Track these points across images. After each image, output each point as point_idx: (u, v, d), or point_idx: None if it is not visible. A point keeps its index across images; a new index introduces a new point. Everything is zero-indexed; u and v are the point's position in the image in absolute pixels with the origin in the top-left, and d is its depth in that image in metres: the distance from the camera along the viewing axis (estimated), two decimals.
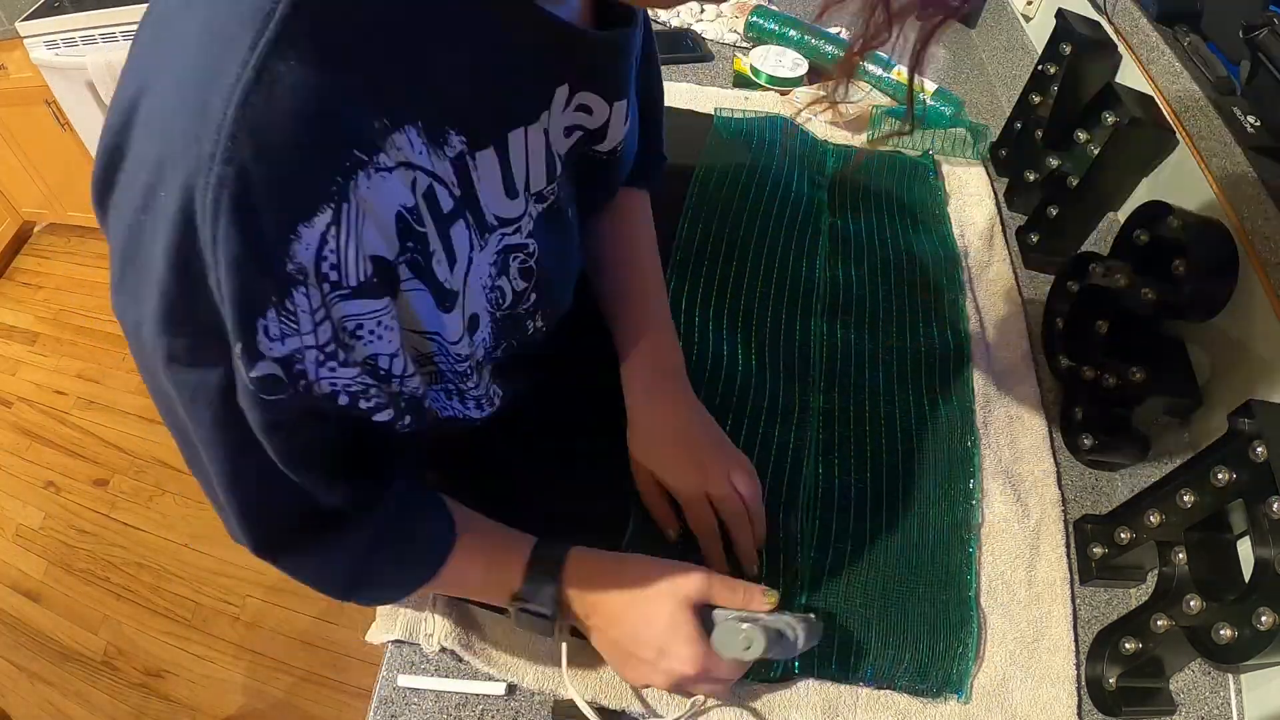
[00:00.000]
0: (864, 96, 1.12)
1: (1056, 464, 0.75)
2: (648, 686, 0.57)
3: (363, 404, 0.37)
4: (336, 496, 0.41)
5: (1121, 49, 0.92)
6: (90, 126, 2.06)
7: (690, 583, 0.52)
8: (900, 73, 1.12)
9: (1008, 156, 1.06)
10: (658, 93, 0.71)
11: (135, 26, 0.33)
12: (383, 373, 0.37)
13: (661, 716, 0.57)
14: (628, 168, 0.57)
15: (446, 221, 0.36)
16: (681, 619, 0.51)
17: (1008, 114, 1.06)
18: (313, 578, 0.47)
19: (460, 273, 0.39)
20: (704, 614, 0.53)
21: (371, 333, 0.35)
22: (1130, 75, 0.91)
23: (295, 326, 0.31)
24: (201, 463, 0.39)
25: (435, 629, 0.59)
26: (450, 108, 0.35)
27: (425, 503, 0.51)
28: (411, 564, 0.50)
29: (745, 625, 0.50)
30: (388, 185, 0.32)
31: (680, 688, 0.53)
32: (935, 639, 0.62)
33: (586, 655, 0.59)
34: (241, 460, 0.37)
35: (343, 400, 0.36)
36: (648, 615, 0.51)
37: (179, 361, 0.33)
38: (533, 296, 0.46)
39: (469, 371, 0.44)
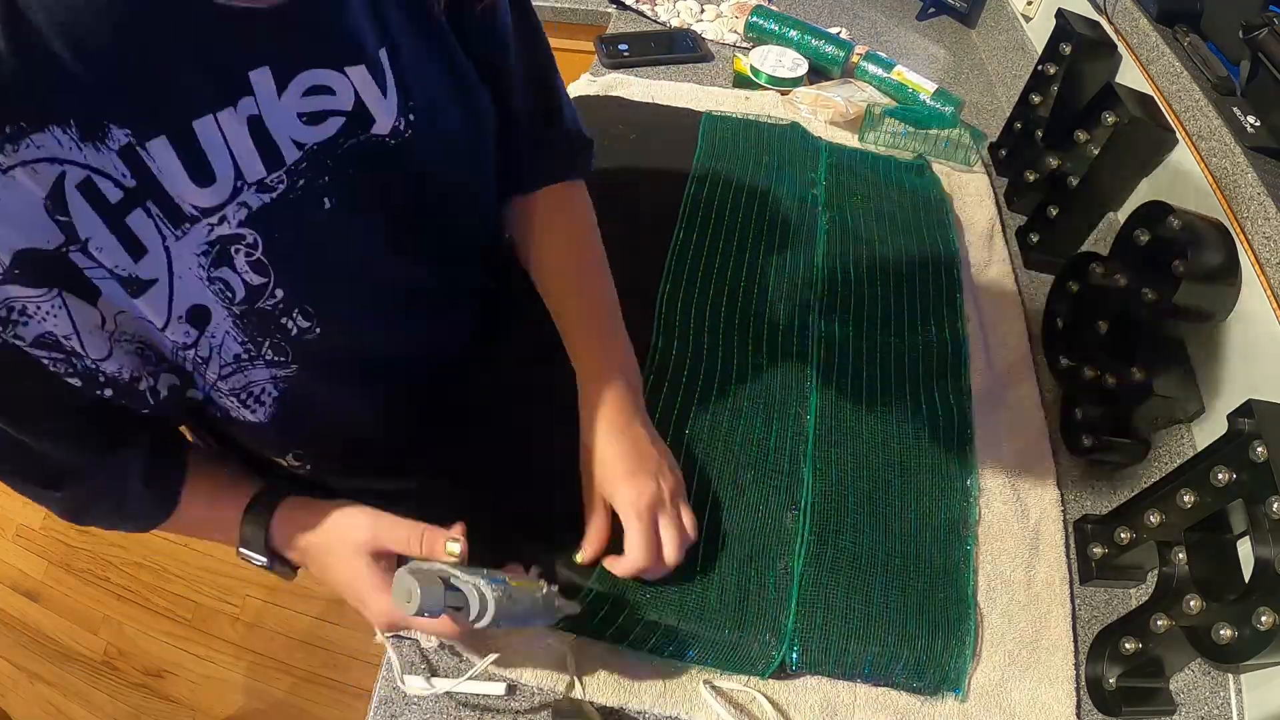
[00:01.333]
0: (864, 96, 1.12)
1: (1056, 464, 0.75)
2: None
3: (51, 368, 0.40)
4: (57, 453, 0.46)
5: (1121, 49, 0.92)
6: None
7: (357, 530, 0.52)
8: (900, 73, 1.12)
9: (1008, 156, 1.06)
10: (540, 57, 0.63)
11: None
12: (66, 349, 0.40)
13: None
14: (457, 153, 0.54)
15: (118, 211, 0.38)
16: (361, 568, 0.51)
17: (1008, 114, 1.06)
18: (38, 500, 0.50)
19: (158, 261, 0.40)
20: (402, 561, 0.51)
21: (36, 314, 0.38)
22: (1130, 75, 0.91)
23: None
24: None
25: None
26: (106, 102, 0.36)
27: (157, 465, 0.53)
28: (130, 518, 0.53)
29: (407, 575, 0.45)
30: (10, 185, 0.35)
31: (398, 630, 0.56)
32: (933, 636, 0.62)
33: (587, 655, 0.59)
34: None
35: (41, 360, 0.40)
36: (335, 565, 0.53)
37: None
38: (279, 293, 0.45)
39: (200, 362, 0.45)
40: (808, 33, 1.17)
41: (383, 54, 0.47)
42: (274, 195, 0.43)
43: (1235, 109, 0.76)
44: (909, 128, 1.06)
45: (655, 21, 1.25)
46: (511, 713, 0.58)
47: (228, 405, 0.49)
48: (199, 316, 0.43)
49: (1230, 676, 0.63)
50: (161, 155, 0.39)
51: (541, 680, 0.58)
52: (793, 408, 0.75)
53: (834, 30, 1.23)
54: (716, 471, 0.69)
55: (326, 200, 0.46)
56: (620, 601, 0.60)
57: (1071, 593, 0.68)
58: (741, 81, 1.15)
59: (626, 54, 1.15)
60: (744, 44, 1.22)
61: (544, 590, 0.52)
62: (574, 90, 1.09)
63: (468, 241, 0.62)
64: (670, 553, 0.57)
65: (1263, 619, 0.51)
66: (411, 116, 0.49)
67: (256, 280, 0.44)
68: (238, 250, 0.43)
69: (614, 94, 1.07)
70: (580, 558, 0.60)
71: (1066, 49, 0.93)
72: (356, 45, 0.45)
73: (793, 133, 1.03)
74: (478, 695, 0.58)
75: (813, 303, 0.84)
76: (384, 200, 0.50)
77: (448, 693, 0.58)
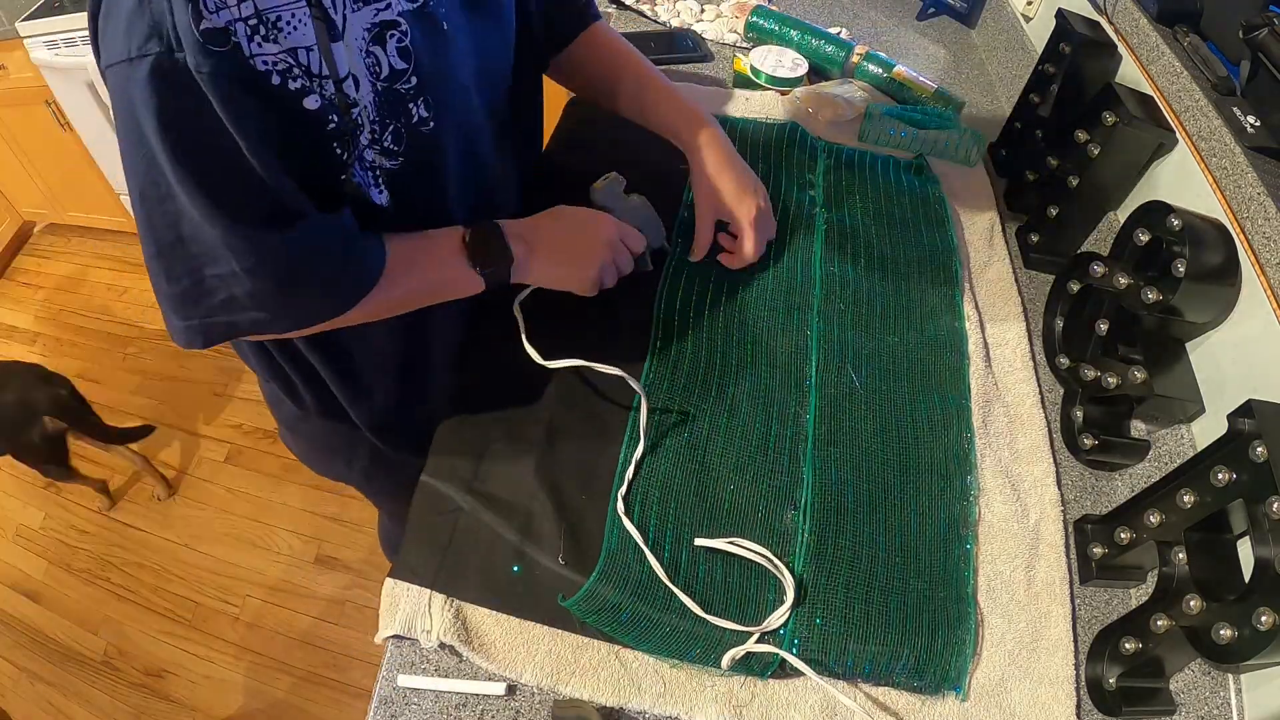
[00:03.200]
0: (864, 96, 1.12)
1: (1056, 464, 0.75)
2: (594, 277, 0.72)
3: (291, 84, 0.48)
4: (298, 199, 0.52)
5: (1121, 49, 0.92)
6: (90, 126, 2.06)
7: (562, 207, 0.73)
8: (900, 72, 1.12)
9: (1008, 156, 1.06)
10: None
11: None
12: (304, 65, 0.48)
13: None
14: (511, 7, 0.69)
15: None
16: (581, 209, 0.73)
17: (1008, 114, 1.06)
18: (256, 268, 0.53)
19: (340, 17, 0.49)
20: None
21: (289, 24, 0.46)
22: (1130, 75, 0.91)
23: (224, 3, 0.44)
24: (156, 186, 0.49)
25: (434, 625, 0.59)
26: None
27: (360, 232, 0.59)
28: (352, 265, 0.58)
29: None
30: None
31: (614, 249, 0.73)
32: (933, 635, 0.62)
33: (586, 655, 0.59)
34: (210, 152, 0.48)
35: (275, 80, 0.47)
36: (561, 217, 0.72)
37: (141, 54, 0.44)
38: (413, 80, 0.55)
39: (359, 122, 0.53)
40: (808, 33, 1.17)
41: None
42: (416, 4, 0.55)
43: (1235, 109, 0.76)
44: (909, 128, 1.05)
45: (655, 21, 1.25)
46: (511, 713, 0.58)
47: (363, 180, 0.58)
48: (354, 82, 0.51)
49: (1230, 676, 0.63)
50: None
51: (541, 680, 0.58)
52: (792, 407, 0.75)
53: (834, 30, 1.23)
54: (716, 471, 0.69)
55: (445, 24, 0.57)
56: (621, 602, 0.60)
57: (1071, 593, 0.68)
58: (741, 81, 1.15)
59: None
60: (744, 44, 1.22)
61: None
62: None
63: (520, 91, 0.76)
64: (755, 252, 0.82)
65: (1263, 619, 0.51)
66: None
67: (400, 64, 0.54)
68: (391, 35, 0.52)
69: None
70: (693, 257, 0.84)
71: (1066, 49, 0.93)
72: None
73: (792, 133, 1.03)
74: (478, 695, 0.58)
75: (812, 302, 0.84)
76: (472, 39, 0.63)
77: (448, 693, 0.58)
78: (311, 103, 0.49)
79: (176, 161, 0.47)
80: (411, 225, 0.63)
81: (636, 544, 0.64)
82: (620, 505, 0.65)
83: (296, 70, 0.47)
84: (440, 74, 0.57)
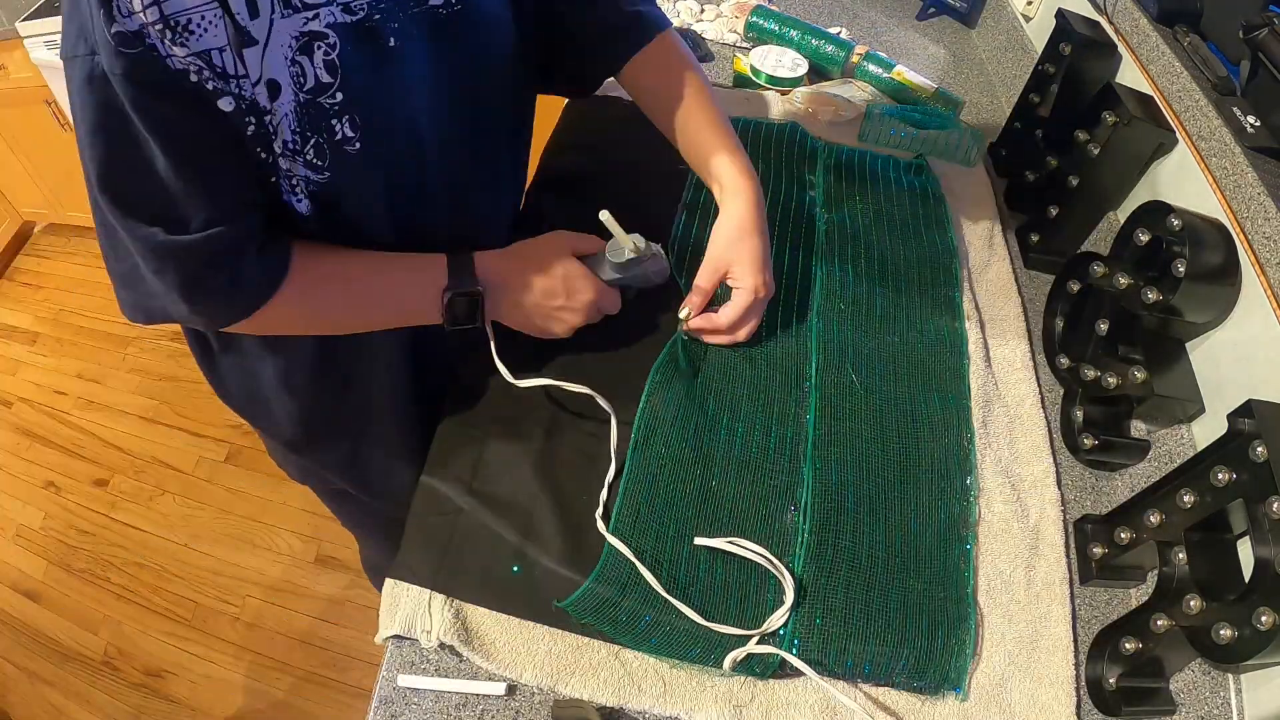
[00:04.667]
0: (864, 96, 1.12)
1: (1056, 464, 0.75)
2: (564, 334, 0.71)
3: (208, 85, 0.48)
4: (193, 205, 0.52)
5: (1121, 49, 0.92)
6: None
7: (557, 238, 0.70)
8: (900, 73, 1.12)
9: (1008, 156, 1.06)
10: None
11: None
12: (218, 68, 0.48)
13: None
14: (494, 35, 0.64)
15: None
16: (570, 263, 0.69)
17: (1008, 114, 1.06)
18: (154, 269, 0.55)
19: (263, 28, 0.49)
20: (586, 261, 0.71)
21: (199, 26, 0.46)
22: (1130, 75, 0.91)
23: (132, 8, 0.44)
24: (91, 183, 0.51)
25: (434, 625, 0.59)
26: None
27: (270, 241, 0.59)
28: (244, 284, 0.58)
29: (616, 240, 0.69)
30: None
31: (588, 316, 0.70)
32: (933, 636, 0.62)
33: (586, 655, 0.59)
34: (118, 151, 0.49)
35: (192, 78, 0.47)
36: (546, 270, 0.68)
37: (74, 55, 0.47)
38: (339, 95, 0.53)
39: (273, 131, 0.53)
40: (808, 33, 1.17)
41: None
42: (355, 17, 0.52)
43: (1235, 109, 0.76)
44: (909, 128, 1.06)
45: None
46: (511, 713, 0.58)
47: (283, 188, 0.57)
48: (273, 89, 0.51)
49: (1230, 676, 0.63)
50: None
51: (541, 680, 0.58)
52: (792, 407, 0.75)
53: (834, 30, 1.23)
54: (716, 471, 0.69)
55: (393, 39, 0.55)
56: (621, 602, 0.60)
57: (1071, 593, 0.68)
58: (741, 81, 1.15)
59: None
60: (744, 44, 1.22)
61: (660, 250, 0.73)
62: None
63: (497, 123, 0.72)
64: (744, 334, 0.76)
65: (1263, 619, 0.51)
66: None
67: (325, 78, 0.52)
68: (319, 46, 0.51)
69: (614, 94, 1.07)
70: (684, 314, 0.75)
71: (1066, 49, 0.93)
72: None
73: (792, 133, 1.03)
74: (478, 695, 0.58)
75: (812, 302, 0.84)
76: (435, 63, 0.59)
77: (448, 693, 0.58)
78: (226, 104, 0.50)
79: (94, 161, 0.50)
80: (336, 239, 0.63)
81: (636, 546, 0.64)
82: (601, 525, 0.64)
83: (209, 72, 0.48)
84: (373, 94, 0.55)
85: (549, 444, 0.70)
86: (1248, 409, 0.57)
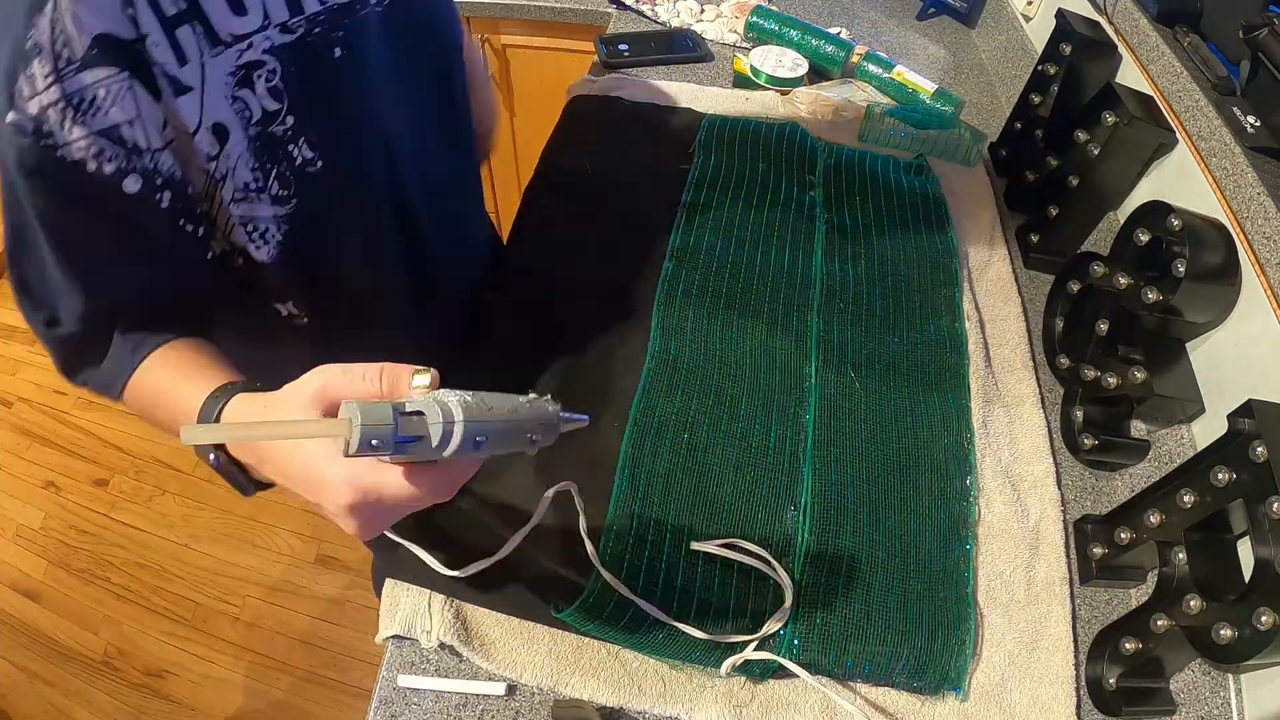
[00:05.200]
0: (864, 96, 1.12)
1: (1056, 464, 0.75)
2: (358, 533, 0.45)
3: (108, 168, 0.45)
4: (68, 300, 0.52)
5: (1121, 49, 0.92)
6: None
7: (303, 384, 0.41)
8: (900, 73, 1.12)
9: (1008, 156, 1.06)
10: None
11: None
12: (127, 142, 0.45)
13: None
14: (423, 29, 0.62)
15: (171, 23, 0.45)
16: (315, 479, 0.41)
17: (1008, 114, 1.06)
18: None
19: (194, 72, 0.47)
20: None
21: (105, 99, 0.43)
22: (1130, 75, 0.91)
23: (35, 88, 0.42)
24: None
25: (434, 625, 0.59)
26: None
27: (126, 348, 0.56)
28: (95, 384, 0.57)
29: (348, 404, 0.36)
30: None
31: (374, 517, 0.42)
32: (933, 636, 0.62)
33: (586, 655, 0.59)
34: (18, 232, 0.49)
35: (90, 167, 0.45)
36: (286, 442, 0.43)
37: None
38: (289, 119, 0.51)
39: (220, 179, 0.51)
40: (808, 33, 1.16)
41: None
42: (294, 36, 0.51)
43: (1235, 109, 0.76)
44: (909, 128, 1.06)
45: (655, 21, 1.25)
46: (511, 713, 0.58)
47: (241, 239, 0.55)
48: (220, 132, 0.49)
49: (1230, 676, 0.63)
50: None
51: (541, 680, 0.58)
52: (792, 407, 0.75)
53: (834, 30, 1.23)
54: (716, 471, 0.69)
55: (337, 50, 0.53)
56: (622, 603, 0.60)
57: (1071, 593, 0.68)
58: (741, 81, 1.15)
59: (626, 54, 1.15)
60: (744, 44, 1.22)
61: (528, 397, 0.45)
62: (574, 90, 1.09)
63: (445, 115, 0.69)
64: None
65: (1263, 619, 0.51)
66: None
67: (271, 105, 0.50)
68: (259, 75, 0.49)
69: (614, 94, 1.07)
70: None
71: (1066, 49, 0.93)
72: None
73: (792, 133, 1.03)
74: (478, 695, 0.58)
75: (812, 302, 0.84)
76: (388, 63, 0.58)
77: (448, 693, 0.58)
78: (132, 184, 0.46)
79: (6, 235, 0.50)
80: (308, 279, 0.60)
81: (635, 547, 0.64)
82: (591, 550, 0.62)
83: (111, 152, 0.45)
84: (325, 110, 0.54)
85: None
86: (1248, 409, 0.57)
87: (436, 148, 0.67)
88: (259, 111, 0.50)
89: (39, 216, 0.47)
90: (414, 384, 0.41)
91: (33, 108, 0.42)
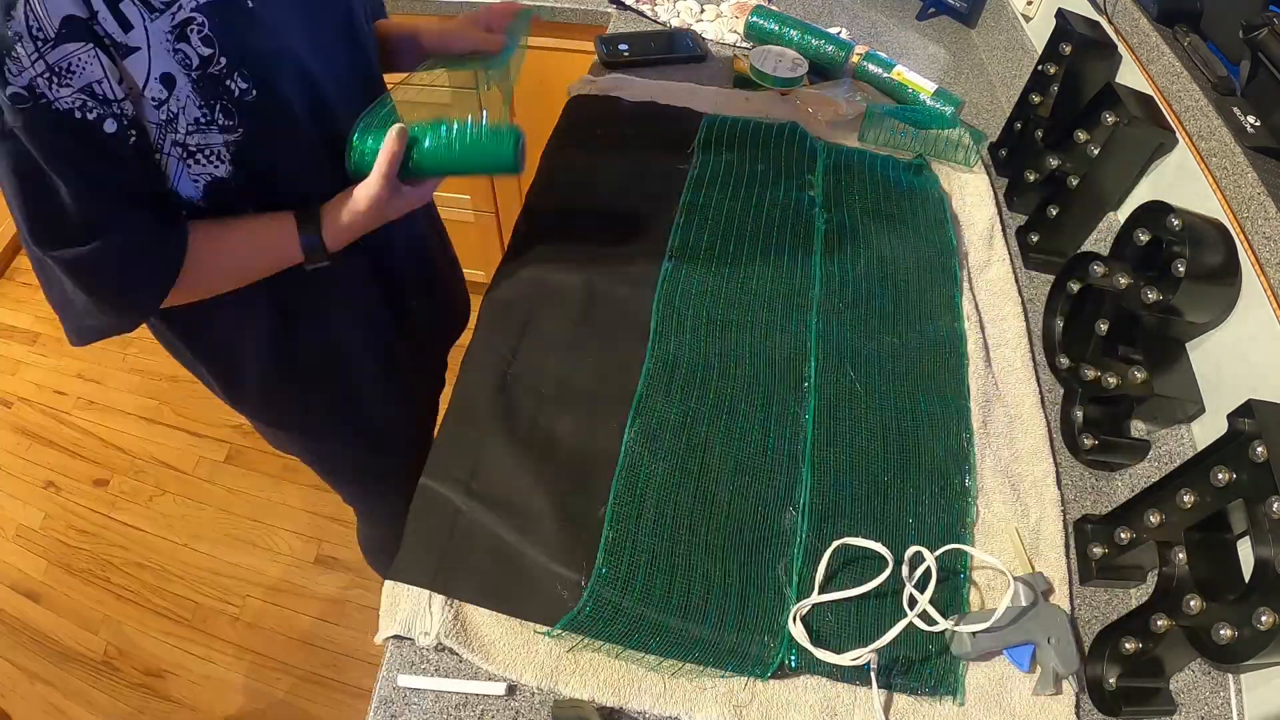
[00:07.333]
0: (864, 96, 1.12)
1: (1056, 464, 0.75)
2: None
3: (89, 115, 0.56)
4: (91, 219, 0.61)
5: (1121, 49, 0.92)
6: None
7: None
8: (900, 73, 1.12)
9: (1008, 156, 1.06)
10: None
11: None
12: (100, 95, 0.56)
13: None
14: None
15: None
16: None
17: (1008, 114, 1.06)
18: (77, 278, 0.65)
19: (140, 35, 0.57)
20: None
21: (80, 64, 0.54)
22: (1130, 75, 0.91)
23: (22, 66, 0.53)
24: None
25: (433, 625, 0.59)
26: None
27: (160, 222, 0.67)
28: (156, 261, 0.66)
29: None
30: None
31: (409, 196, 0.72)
32: (932, 636, 0.62)
33: (586, 655, 0.59)
34: (35, 191, 0.59)
35: (77, 115, 0.56)
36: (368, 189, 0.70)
37: None
38: (223, 60, 0.61)
39: (172, 117, 0.61)
40: (808, 33, 1.16)
41: None
42: None
43: (1235, 109, 0.76)
44: (909, 128, 1.05)
45: (655, 21, 1.25)
46: (511, 713, 0.58)
47: (202, 165, 0.65)
48: (168, 81, 0.59)
49: (1230, 676, 0.63)
50: None
51: (541, 680, 0.58)
52: (792, 408, 0.75)
53: (834, 30, 1.23)
54: (715, 471, 0.69)
55: (250, 2, 0.62)
56: (621, 605, 0.60)
57: (1071, 592, 0.68)
58: (741, 81, 1.15)
59: (626, 54, 1.15)
60: (744, 44, 1.22)
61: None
62: (574, 90, 1.09)
63: (355, 55, 0.80)
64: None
65: (1263, 619, 0.51)
66: None
67: (205, 51, 0.60)
68: (191, 30, 0.59)
69: (614, 94, 1.07)
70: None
71: (1066, 49, 0.93)
72: None
73: (792, 133, 1.03)
74: (478, 695, 0.58)
75: (811, 302, 0.84)
76: (298, 12, 0.68)
77: (448, 693, 0.58)
78: (110, 126, 0.58)
79: (20, 207, 0.60)
80: (263, 191, 0.71)
81: (634, 549, 0.64)
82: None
83: (91, 102, 0.56)
84: (250, 49, 0.63)
85: (549, 445, 0.70)
86: (1248, 409, 0.57)
87: (346, 73, 0.77)
88: (197, 58, 0.60)
89: (57, 158, 0.57)
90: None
91: (24, 79, 0.53)
